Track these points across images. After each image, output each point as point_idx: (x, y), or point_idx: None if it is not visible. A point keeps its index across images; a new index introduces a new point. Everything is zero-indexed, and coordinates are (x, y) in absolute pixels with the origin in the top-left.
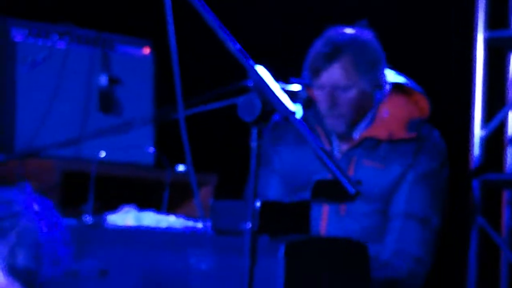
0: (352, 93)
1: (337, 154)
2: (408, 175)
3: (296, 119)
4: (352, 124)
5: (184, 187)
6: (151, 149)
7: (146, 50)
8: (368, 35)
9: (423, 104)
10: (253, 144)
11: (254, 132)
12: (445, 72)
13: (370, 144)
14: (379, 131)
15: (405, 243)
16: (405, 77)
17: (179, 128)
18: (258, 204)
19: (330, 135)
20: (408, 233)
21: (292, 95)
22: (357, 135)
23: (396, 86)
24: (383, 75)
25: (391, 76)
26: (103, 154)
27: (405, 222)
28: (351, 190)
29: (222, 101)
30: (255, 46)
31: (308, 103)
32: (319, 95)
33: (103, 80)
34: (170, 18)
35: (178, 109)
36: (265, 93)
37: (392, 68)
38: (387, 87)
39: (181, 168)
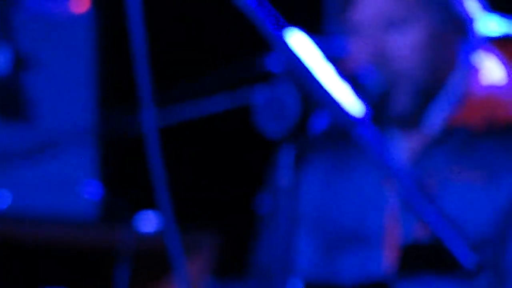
0: (413, 34)
1: (401, 159)
2: None
3: (364, 130)
4: (423, 99)
5: (155, 258)
6: (94, 189)
7: (81, 6)
8: None
9: None
10: (282, 181)
11: (285, 156)
12: None
13: (461, 139)
14: (472, 113)
15: None
16: None
17: (145, 149)
18: None
19: (384, 123)
20: None
21: (358, 85)
22: (434, 121)
23: (501, 39)
24: (469, 9)
25: (492, 22)
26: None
27: None
28: (469, 263)
29: (223, 99)
30: None
31: (384, 99)
32: (356, 46)
33: (2, 61)
34: None
35: (143, 114)
36: (308, 86)
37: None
38: (482, 37)
39: (148, 223)
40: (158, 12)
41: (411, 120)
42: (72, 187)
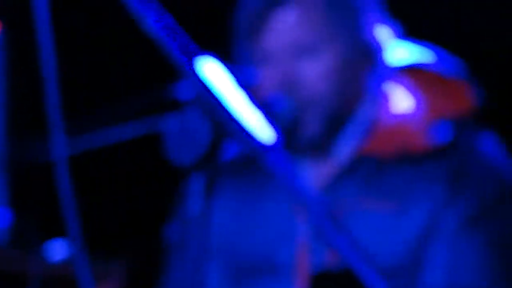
0: (323, 62)
1: (312, 187)
2: (445, 221)
3: (276, 157)
4: (332, 127)
5: (64, 286)
6: (3, 215)
7: None
8: None
9: (463, 94)
10: (192, 208)
11: (196, 184)
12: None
13: (370, 168)
14: (382, 142)
15: None
16: (430, 49)
17: (55, 176)
18: None
19: (295, 151)
20: None
21: (270, 113)
22: (343, 150)
23: (411, 68)
24: (378, 35)
25: (403, 50)
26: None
27: None
28: None
29: (134, 127)
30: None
31: (294, 126)
32: (266, 74)
33: None
34: None
35: (53, 140)
36: (219, 113)
37: (406, 33)
38: (392, 65)
39: (58, 251)
40: (69, 38)
41: (321, 148)
42: None
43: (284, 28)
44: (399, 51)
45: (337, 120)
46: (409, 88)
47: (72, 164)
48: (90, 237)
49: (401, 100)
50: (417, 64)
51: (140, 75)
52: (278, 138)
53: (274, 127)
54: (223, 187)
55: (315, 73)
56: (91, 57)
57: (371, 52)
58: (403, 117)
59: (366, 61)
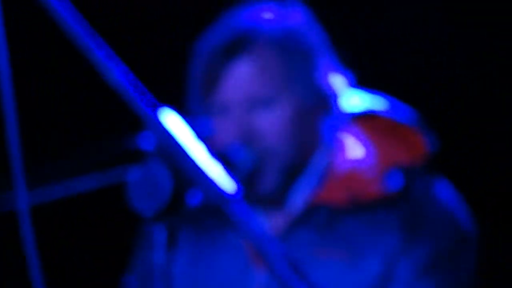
0: (279, 112)
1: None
2: (399, 270)
3: (235, 207)
4: (288, 178)
5: None
6: None
7: None
8: (298, 15)
9: (416, 141)
10: (155, 259)
11: (158, 234)
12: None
13: (323, 217)
14: (335, 190)
15: None
16: (383, 97)
17: (18, 228)
18: None
19: (251, 201)
20: None
21: (228, 163)
22: (297, 200)
23: (363, 115)
24: (332, 83)
25: (355, 97)
26: None
27: None
28: None
29: (95, 178)
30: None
31: (252, 176)
32: (222, 125)
33: None
34: None
35: (14, 192)
36: (180, 164)
37: (358, 81)
38: (345, 113)
39: None
40: (30, 90)
41: (276, 200)
42: None
43: (238, 81)
44: (352, 99)
45: (293, 169)
46: (361, 136)
47: (34, 215)
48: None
49: (354, 148)
50: (369, 111)
51: (102, 125)
52: (237, 188)
53: (233, 178)
54: (182, 237)
55: (271, 124)
56: (54, 107)
57: (326, 100)
58: (356, 164)
59: (321, 109)
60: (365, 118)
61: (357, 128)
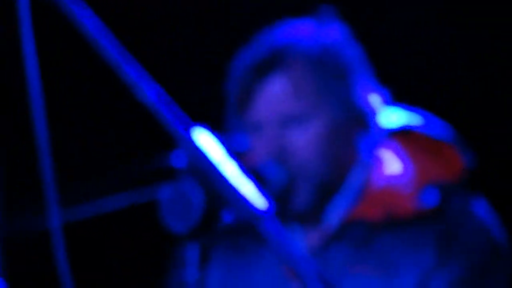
0: (312, 130)
1: (303, 253)
2: (434, 286)
3: (268, 224)
4: (323, 195)
5: None
6: None
7: None
8: (335, 32)
9: (453, 158)
10: (187, 277)
11: (190, 252)
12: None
13: (359, 233)
14: (371, 206)
15: None
16: (420, 113)
17: (51, 247)
18: None
19: (286, 217)
20: None
21: (261, 180)
22: (333, 216)
23: (401, 131)
24: (369, 100)
25: (392, 114)
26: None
27: None
28: None
29: (128, 196)
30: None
31: (286, 193)
32: (257, 143)
33: None
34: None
35: (47, 211)
36: (213, 182)
37: (394, 98)
38: (382, 129)
39: None
40: (63, 107)
41: (311, 216)
42: None
43: (271, 99)
44: (389, 115)
45: (328, 187)
46: (399, 152)
47: (67, 234)
48: None
49: (391, 164)
50: (406, 127)
51: (135, 143)
52: (270, 205)
53: (266, 195)
54: (217, 253)
55: (305, 141)
56: (87, 125)
57: (362, 117)
58: (393, 180)
59: (357, 126)
60: (402, 134)
61: (394, 144)
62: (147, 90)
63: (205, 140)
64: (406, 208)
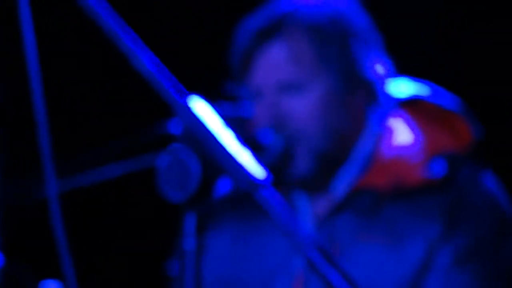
0: (310, 97)
1: (308, 223)
2: (441, 256)
3: (267, 193)
4: (327, 164)
5: None
6: None
7: None
8: (341, 1)
9: (462, 129)
10: (187, 246)
11: (189, 220)
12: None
13: (367, 202)
14: (379, 175)
15: None
16: (428, 85)
17: (48, 216)
18: None
19: (289, 188)
20: None
21: (258, 147)
22: (340, 186)
23: (410, 101)
24: (376, 69)
25: (401, 84)
26: None
27: None
28: None
29: (126, 164)
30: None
31: (285, 158)
32: (256, 110)
33: None
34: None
35: (44, 180)
36: (208, 148)
37: (402, 70)
38: (391, 99)
39: None
40: (59, 78)
41: (315, 184)
42: None
43: (270, 64)
44: (398, 85)
45: (332, 155)
46: (408, 121)
47: (64, 202)
48: (84, 277)
49: (401, 134)
50: (416, 96)
51: (132, 112)
52: (267, 174)
53: (263, 163)
54: (219, 224)
55: (302, 108)
56: (83, 95)
57: (369, 86)
58: (402, 150)
59: (364, 95)
60: (411, 104)
61: (403, 114)
62: (144, 60)
63: (201, 109)
64: (415, 178)
